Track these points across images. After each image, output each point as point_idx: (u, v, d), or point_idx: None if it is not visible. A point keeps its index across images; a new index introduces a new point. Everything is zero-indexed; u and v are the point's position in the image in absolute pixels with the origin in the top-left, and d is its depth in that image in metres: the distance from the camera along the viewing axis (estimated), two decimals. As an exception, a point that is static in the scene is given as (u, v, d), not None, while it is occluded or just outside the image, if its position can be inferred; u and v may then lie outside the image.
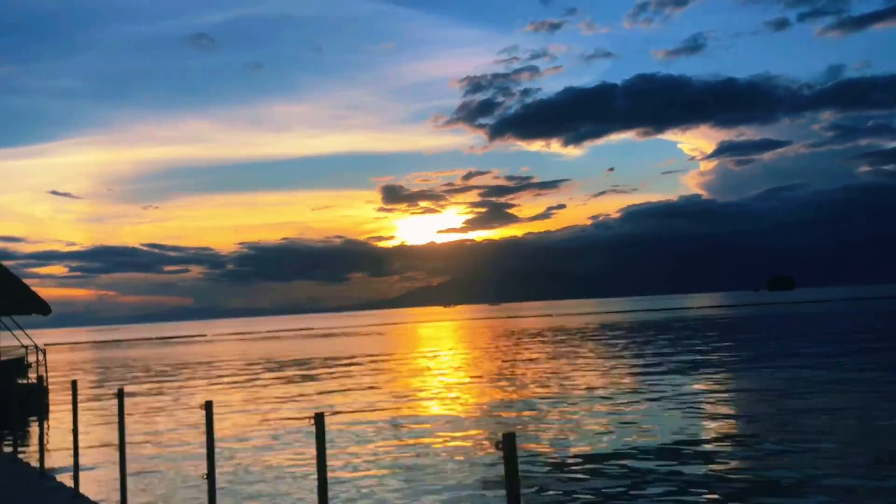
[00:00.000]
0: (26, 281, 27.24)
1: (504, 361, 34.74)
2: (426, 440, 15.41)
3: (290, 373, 34.93)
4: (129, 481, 8.28)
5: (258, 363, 43.17)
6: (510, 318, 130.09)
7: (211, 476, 6.10)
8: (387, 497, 10.95)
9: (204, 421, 6.20)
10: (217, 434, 14.60)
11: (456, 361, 37.45)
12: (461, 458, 13.48)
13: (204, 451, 6.30)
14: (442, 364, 36.14)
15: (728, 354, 32.60)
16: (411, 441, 15.33)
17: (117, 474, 8.03)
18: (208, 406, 6.13)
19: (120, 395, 7.67)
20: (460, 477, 11.99)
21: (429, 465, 12.90)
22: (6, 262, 27.90)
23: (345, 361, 40.49)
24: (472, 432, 16.12)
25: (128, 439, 8.50)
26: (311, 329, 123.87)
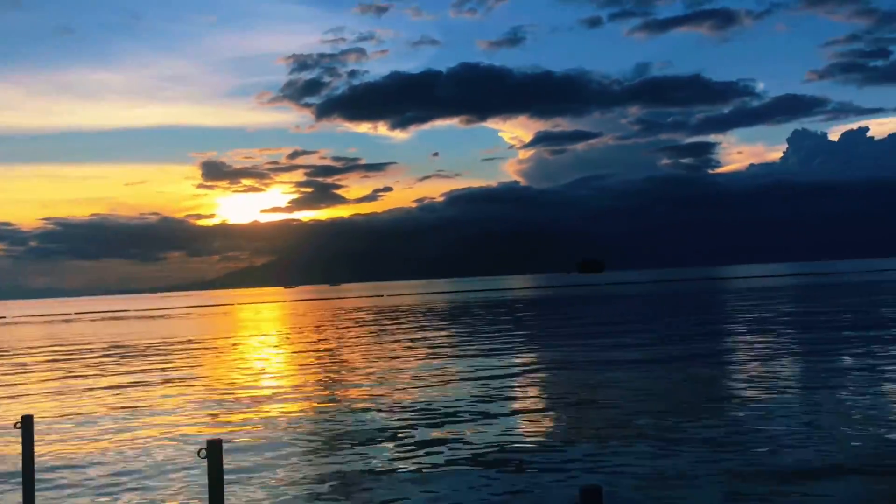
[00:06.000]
0: None
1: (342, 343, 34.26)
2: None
3: (113, 362, 32.48)
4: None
5: (70, 350, 39.79)
6: (354, 298, 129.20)
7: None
8: None
9: (17, 437, 5.32)
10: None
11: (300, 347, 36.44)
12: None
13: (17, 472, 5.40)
14: (280, 351, 35.04)
15: (514, 336, 34.04)
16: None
17: None
18: (26, 422, 5.26)
19: None
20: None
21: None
22: None
23: (182, 346, 38.26)
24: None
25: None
26: (126, 311, 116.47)
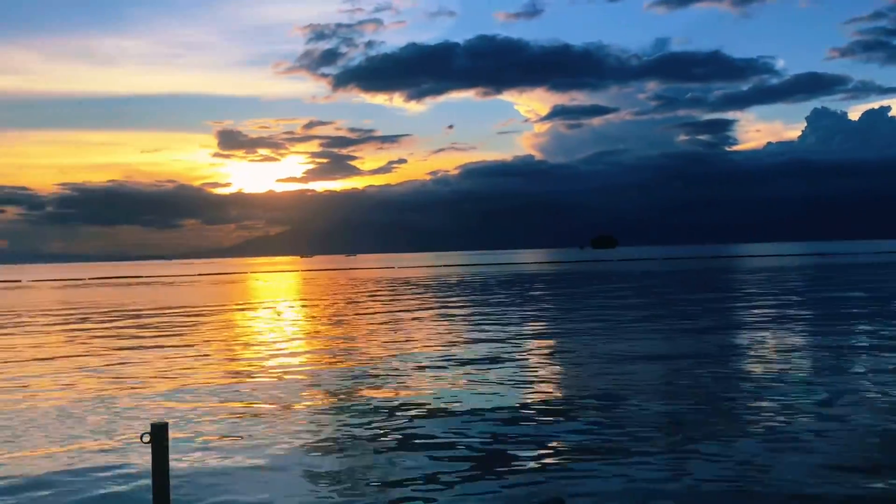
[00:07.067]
0: None
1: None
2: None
3: (111, 328, 32.29)
4: None
5: (79, 315, 39.68)
6: (382, 269, 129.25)
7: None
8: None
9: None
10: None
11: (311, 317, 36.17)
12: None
13: None
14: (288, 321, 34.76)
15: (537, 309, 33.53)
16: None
17: None
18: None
19: None
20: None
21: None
22: None
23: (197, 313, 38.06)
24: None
25: None
26: (140, 277, 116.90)
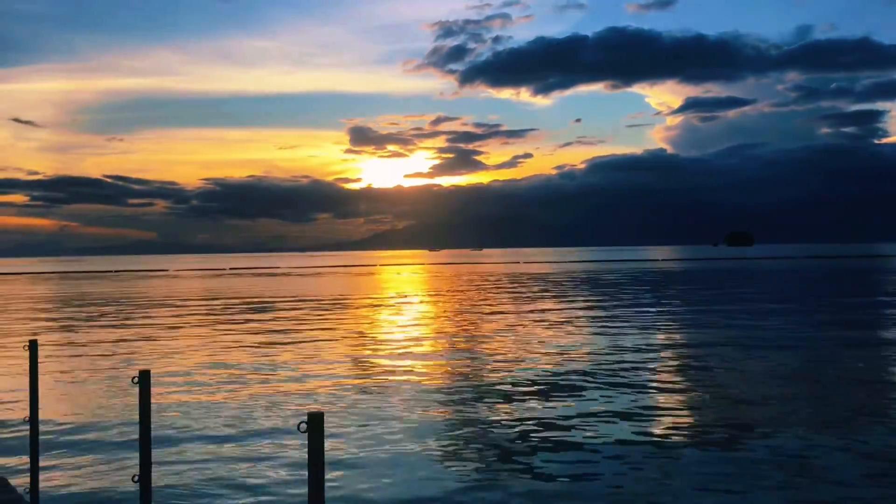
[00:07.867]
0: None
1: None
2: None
3: (252, 317, 33.67)
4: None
5: (220, 302, 41.72)
6: (515, 263, 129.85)
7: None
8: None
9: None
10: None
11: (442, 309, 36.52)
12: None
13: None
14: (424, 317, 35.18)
15: (672, 310, 32.09)
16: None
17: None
18: (143, 378, 4.91)
19: (33, 347, 6.45)
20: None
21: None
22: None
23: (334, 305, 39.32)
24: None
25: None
26: (277, 268, 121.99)
